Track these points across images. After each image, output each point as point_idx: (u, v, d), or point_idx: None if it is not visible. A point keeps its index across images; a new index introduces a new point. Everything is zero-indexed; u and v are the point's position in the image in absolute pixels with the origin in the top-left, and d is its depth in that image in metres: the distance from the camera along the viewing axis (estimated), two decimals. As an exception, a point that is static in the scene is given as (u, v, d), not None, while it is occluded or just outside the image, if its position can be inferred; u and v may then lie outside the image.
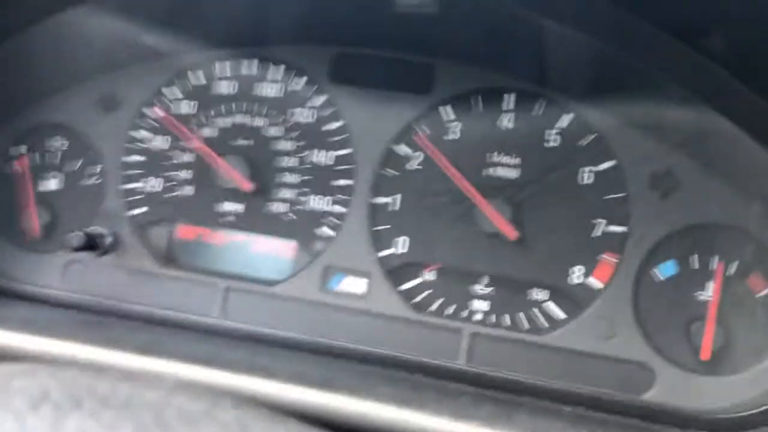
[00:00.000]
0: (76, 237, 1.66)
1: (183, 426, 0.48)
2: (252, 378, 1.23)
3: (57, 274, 1.76)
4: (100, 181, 1.80)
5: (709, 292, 1.54)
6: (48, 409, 0.49)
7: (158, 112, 1.79)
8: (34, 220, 1.80)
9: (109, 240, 1.73)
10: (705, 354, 1.51)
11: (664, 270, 1.57)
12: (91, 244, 1.68)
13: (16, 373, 0.55)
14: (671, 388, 1.52)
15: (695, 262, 1.56)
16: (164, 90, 1.81)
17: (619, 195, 1.60)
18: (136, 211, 1.78)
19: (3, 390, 0.52)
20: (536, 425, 1.19)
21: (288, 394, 1.20)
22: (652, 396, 1.53)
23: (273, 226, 1.73)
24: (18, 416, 0.49)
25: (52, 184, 1.82)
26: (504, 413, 1.22)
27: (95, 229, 1.73)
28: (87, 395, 0.51)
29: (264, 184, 1.73)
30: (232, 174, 1.72)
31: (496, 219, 1.61)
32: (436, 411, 1.16)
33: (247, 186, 1.71)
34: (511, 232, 1.60)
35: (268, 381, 1.23)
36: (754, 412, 1.43)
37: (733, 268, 1.54)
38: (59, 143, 1.83)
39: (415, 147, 1.70)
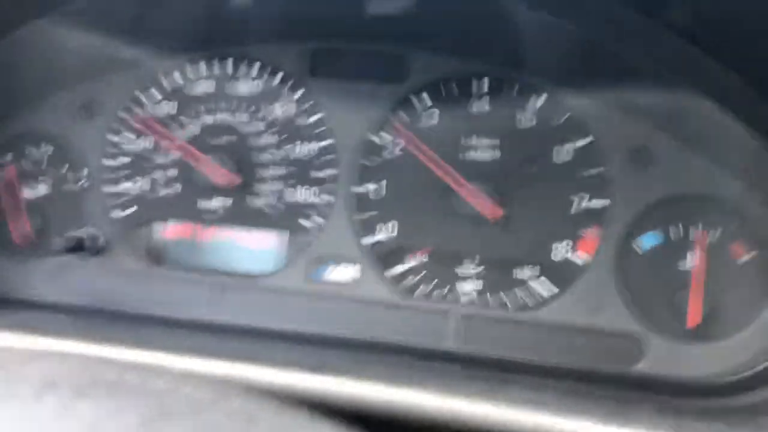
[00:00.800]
0: (65, 240, 1.67)
1: (189, 415, 0.48)
2: (243, 365, 1.24)
3: (47, 278, 1.77)
4: (86, 185, 1.80)
5: (692, 261, 1.56)
6: (53, 398, 0.49)
7: (139, 117, 1.79)
8: (23, 227, 1.81)
9: (97, 242, 1.73)
10: (692, 322, 1.53)
11: (647, 241, 1.59)
12: (80, 247, 1.69)
13: (21, 362, 0.55)
14: (661, 358, 1.54)
15: (677, 232, 1.58)
16: (143, 93, 1.81)
17: (598, 170, 1.61)
18: (123, 213, 1.79)
19: (8, 378, 0.52)
20: (527, 398, 1.20)
21: (279, 379, 1.21)
22: (642, 367, 1.54)
23: (259, 220, 1.74)
24: (23, 404, 0.49)
25: (39, 190, 1.82)
26: (494, 388, 1.23)
27: (83, 231, 1.73)
28: (93, 384, 0.51)
29: (248, 179, 1.74)
30: (218, 170, 1.72)
31: (476, 201, 1.62)
32: (426, 387, 1.17)
33: (236, 180, 1.72)
34: (491, 213, 1.62)
35: (260, 367, 1.23)
36: (742, 376, 1.45)
37: (714, 237, 1.56)
38: (44, 150, 1.83)
39: (395, 134, 1.71)
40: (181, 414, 0.48)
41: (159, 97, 1.81)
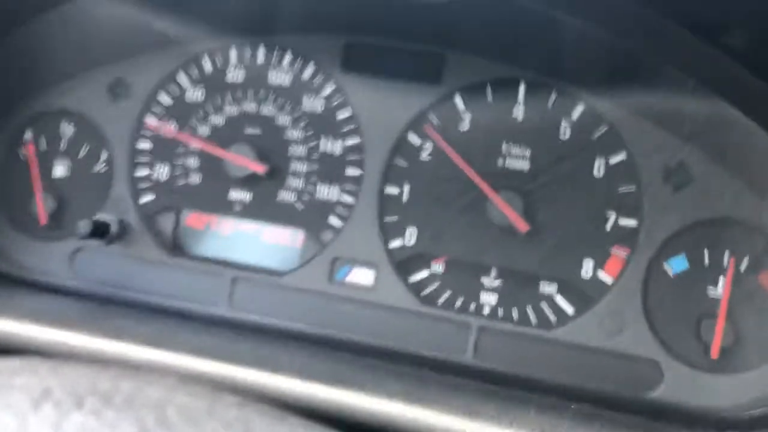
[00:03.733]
0: (84, 225, 1.66)
1: (185, 424, 0.48)
2: (258, 372, 1.23)
3: (64, 261, 1.76)
4: (107, 168, 1.79)
5: (720, 289, 1.52)
6: (49, 408, 0.49)
7: (153, 124, 1.78)
8: (42, 207, 1.79)
9: (116, 228, 1.72)
10: (715, 352, 1.50)
11: (675, 265, 1.55)
12: (99, 232, 1.68)
13: (18, 371, 0.54)
14: (679, 386, 1.51)
15: (706, 257, 1.54)
16: (174, 76, 1.79)
17: (631, 187, 1.58)
18: (144, 199, 1.78)
19: (4, 388, 0.51)
20: (543, 423, 1.18)
21: (294, 388, 1.20)
22: (659, 394, 1.52)
23: (281, 216, 1.72)
24: (19, 414, 0.49)
25: (59, 170, 1.82)
26: (511, 410, 1.22)
27: (103, 216, 1.72)
28: (89, 393, 0.50)
29: (274, 172, 1.72)
30: (242, 161, 1.70)
31: (507, 211, 1.60)
32: (443, 407, 1.16)
33: (260, 168, 1.70)
34: (522, 225, 1.59)
35: (275, 375, 1.23)
36: (762, 410, 1.42)
37: (744, 264, 1.53)
38: (67, 129, 1.82)
39: (425, 137, 1.68)
40: (177, 423, 0.47)
41: (191, 81, 1.79)
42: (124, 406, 0.49)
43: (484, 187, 1.62)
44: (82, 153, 1.81)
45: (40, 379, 0.53)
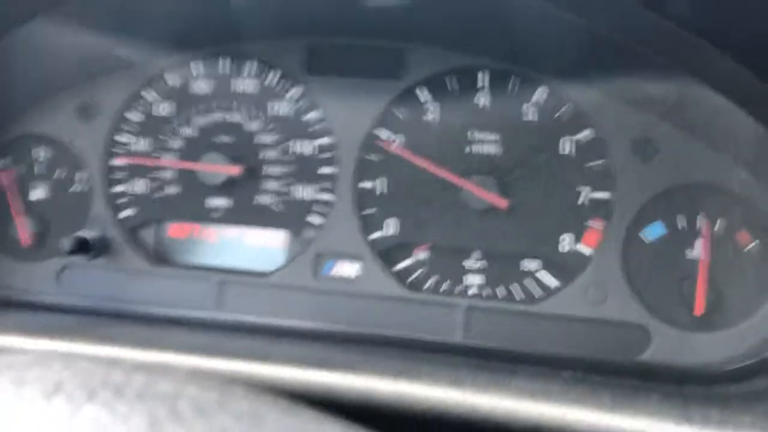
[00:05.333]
0: (66, 242, 1.67)
1: (196, 417, 0.48)
2: (249, 363, 1.24)
3: (51, 280, 1.77)
4: (85, 187, 1.80)
5: (698, 250, 1.55)
6: (62, 400, 0.49)
7: (121, 156, 1.80)
8: (25, 230, 1.80)
9: (101, 242, 1.73)
10: (699, 310, 1.52)
11: (652, 232, 1.58)
12: (82, 248, 1.69)
13: (30, 364, 0.55)
14: (667, 347, 1.54)
15: (682, 222, 1.57)
16: (142, 93, 1.81)
17: (601, 162, 1.61)
18: (124, 214, 1.79)
19: (17, 381, 0.52)
20: (534, 389, 1.20)
21: (283, 375, 1.20)
22: (648, 356, 1.54)
23: (262, 218, 1.74)
24: (33, 406, 0.49)
25: (39, 193, 1.82)
26: (501, 379, 1.23)
27: (87, 232, 1.73)
28: (101, 386, 0.51)
29: (250, 177, 1.74)
30: (215, 168, 1.72)
31: (483, 194, 1.62)
32: (433, 380, 1.17)
33: (235, 170, 1.72)
34: (500, 202, 1.62)
35: (266, 365, 1.23)
36: (749, 363, 1.45)
37: (719, 225, 1.56)
38: (43, 153, 1.83)
39: (394, 130, 1.70)
40: (189, 416, 0.48)
41: (158, 96, 1.80)
42: (135, 399, 0.50)
43: (452, 177, 1.65)
44: (59, 175, 1.82)
45: (53, 372, 0.53)
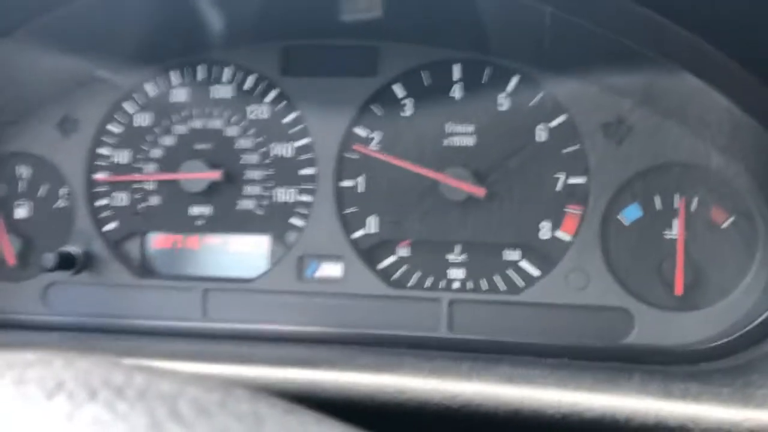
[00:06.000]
0: (50, 257, 1.68)
1: (197, 417, 0.48)
2: (231, 366, 1.25)
3: (36, 298, 1.78)
4: (68, 202, 1.81)
5: (675, 230, 1.56)
6: (63, 399, 0.49)
7: (100, 177, 1.81)
8: (9, 250, 1.81)
9: (85, 257, 1.74)
10: (679, 289, 1.54)
11: (629, 214, 1.59)
12: (67, 263, 1.70)
13: (31, 363, 0.55)
14: (650, 329, 1.55)
15: (658, 202, 1.58)
16: (121, 105, 1.82)
17: (575, 147, 1.62)
18: (108, 227, 1.79)
19: (18, 380, 0.52)
20: (517, 374, 1.21)
21: (267, 375, 1.21)
22: (633, 339, 1.55)
23: (244, 224, 1.75)
24: (34, 405, 0.49)
25: (23, 212, 1.83)
26: (483, 367, 1.24)
27: (71, 247, 1.74)
28: (102, 386, 0.51)
29: (231, 182, 1.75)
30: (196, 175, 1.73)
31: (459, 184, 1.63)
32: (415, 371, 1.18)
33: (215, 174, 1.73)
34: (478, 191, 1.63)
35: (247, 366, 1.24)
36: (728, 339, 1.46)
37: (694, 204, 1.57)
38: (24, 171, 1.84)
39: (372, 127, 1.72)
40: (190, 416, 0.48)
41: (138, 107, 1.81)
42: (136, 398, 0.50)
43: (427, 172, 1.66)
44: (42, 191, 1.83)
45: (54, 371, 0.53)
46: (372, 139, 1.72)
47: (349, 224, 1.70)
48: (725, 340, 1.47)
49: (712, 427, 1.02)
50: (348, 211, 1.71)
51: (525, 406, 1.10)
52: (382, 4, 1.63)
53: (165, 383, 0.52)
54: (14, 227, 1.83)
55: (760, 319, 1.45)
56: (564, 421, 1.09)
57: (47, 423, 0.48)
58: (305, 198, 1.72)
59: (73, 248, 1.74)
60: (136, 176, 1.79)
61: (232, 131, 1.77)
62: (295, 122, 1.75)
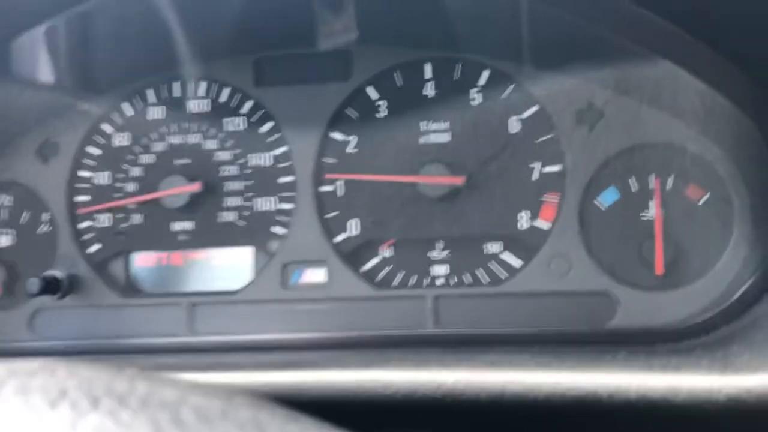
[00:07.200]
0: (34, 283, 1.68)
1: (199, 424, 0.48)
2: (219, 373, 1.26)
3: (23, 325, 1.77)
4: (50, 227, 1.82)
5: (653, 210, 1.58)
6: (66, 408, 0.49)
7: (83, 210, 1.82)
8: (-6, 279, 1.81)
9: (69, 280, 1.74)
10: (659, 268, 1.55)
11: (606, 198, 1.61)
12: (52, 287, 1.70)
13: (34, 371, 0.54)
14: (634, 310, 1.55)
15: (634, 184, 1.60)
16: (99, 127, 1.83)
17: (548, 136, 1.64)
18: (92, 249, 1.80)
19: (21, 388, 0.52)
20: (499, 361, 1.22)
21: (254, 380, 1.22)
22: (618, 321, 1.56)
23: (226, 236, 1.76)
24: (38, 413, 0.49)
25: (4, 240, 1.84)
26: (467, 356, 1.25)
27: (56, 271, 1.75)
28: (105, 394, 0.51)
29: (212, 196, 1.76)
30: (176, 190, 1.74)
31: (436, 180, 1.65)
32: (399, 363, 1.19)
33: (195, 187, 1.74)
34: (456, 179, 1.64)
35: (235, 373, 1.25)
36: (710, 315, 1.47)
37: (670, 183, 1.58)
38: (5, 200, 1.85)
39: (348, 132, 1.73)
40: (192, 423, 0.48)
41: (116, 127, 1.83)
42: (139, 406, 0.50)
43: (404, 178, 1.67)
44: (24, 219, 1.83)
45: (57, 380, 0.53)
46: (349, 142, 1.73)
47: (330, 229, 1.71)
48: (707, 316, 1.48)
49: (692, 396, 1.03)
50: (329, 216, 1.72)
51: (508, 390, 1.11)
52: (357, 27, 1.66)
53: (167, 391, 0.53)
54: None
55: (738, 294, 1.46)
56: (548, 402, 1.10)
57: (51, 430, 0.48)
58: (285, 206, 1.74)
59: (57, 272, 1.75)
60: (118, 202, 1.79)
61: (210, 145, 1.78)
62: (272, 132, 1.76)
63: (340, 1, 1.64)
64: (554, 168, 1.63)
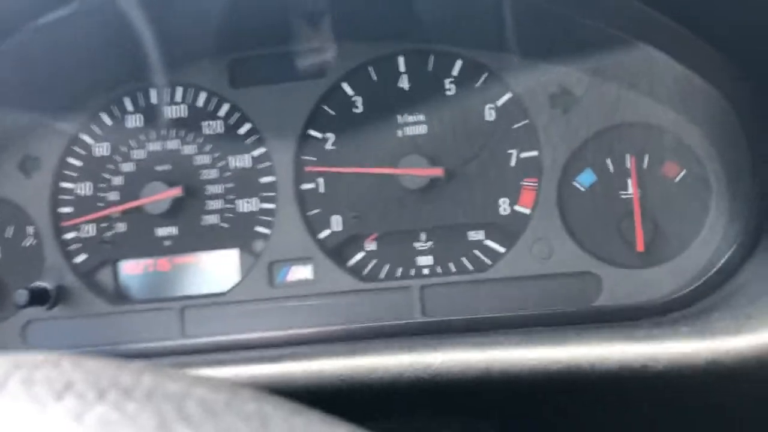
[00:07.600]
0: (22, 294, 1.68)
1: (204, 417, 0.49)
2: (208, 369, 1.26)
3: (15, 338, 1.78)
4: (36, 240, 1.82)
5: (630, 189, 1.60)
6: (71, 400, 0.50)
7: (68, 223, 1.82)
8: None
9: (57, 290, 1.75)
10: (640, 246, 1.57)
11: (584, 180, 1.62)
12: (40, 298, 1.71)
13: (40, 364, 0.55)
14: (618, 289, 1.57)
15: (610, 164, 1.62)
16: (79, 138, 1.83)
17: (524, 122, 1.65)
18: (78, 259, 1.81)
19: (27, 380, 0.53)
20: (484, 341, 1.23)
21: (244, 373, 1.23)
22: (602, 300, 1.58)
23: (210, 239, 1.77)
24: (43, 405, 0.50)
25: (-9, 257, 1.84)
26: (454, 339, 1.26)
27: (44, 282, 1.75)
28: (110, 386, 0.51)
29: (193, 200, 1.77)
30: (157, 196, 1.75)
31: (415, 171, 1.66)
32: (384, 348, 1.20)
33: (176, 191, 1.75)
34: (436, 171, 1.65)
35: (224, 368, 1.26)
36: (691, 288, 1.49)
37: (646, 161, 1.60)
38: (-11, 217, 1.85)
39: (325, 129, 1.74)
40: (197, 416, 0.49)
41: (96, 137, 1.83)
42: (144, 398, 0.50)
43: (383, 170, 1.69)
44: (9, 233, 1.84)
45: (63, 372, 0.54)
46: (327, 139, 1.74)
47: (313, 225, 1.73)
48: (689, 289, 1.50)
49: (672, 362, 1.05)
50: (311, 213, 1.73)
51: (493, 367, 1.12)
52: (335, 42, 1.68)
53: (172, 383, 0.53)
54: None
55: (718, 266, 1.48)
56: (532, 377, 1.12)
57: (56, 424, 0.48)
58: (268, 205, 1.75)
59: (45, 283, 1.75)
60: (101, 212, 1.80)
61: (189, 149, 1.79)
62: (250, 133, 1.77)
63: (318, 16, 1.66)
64: (531, 153, 1.65)
